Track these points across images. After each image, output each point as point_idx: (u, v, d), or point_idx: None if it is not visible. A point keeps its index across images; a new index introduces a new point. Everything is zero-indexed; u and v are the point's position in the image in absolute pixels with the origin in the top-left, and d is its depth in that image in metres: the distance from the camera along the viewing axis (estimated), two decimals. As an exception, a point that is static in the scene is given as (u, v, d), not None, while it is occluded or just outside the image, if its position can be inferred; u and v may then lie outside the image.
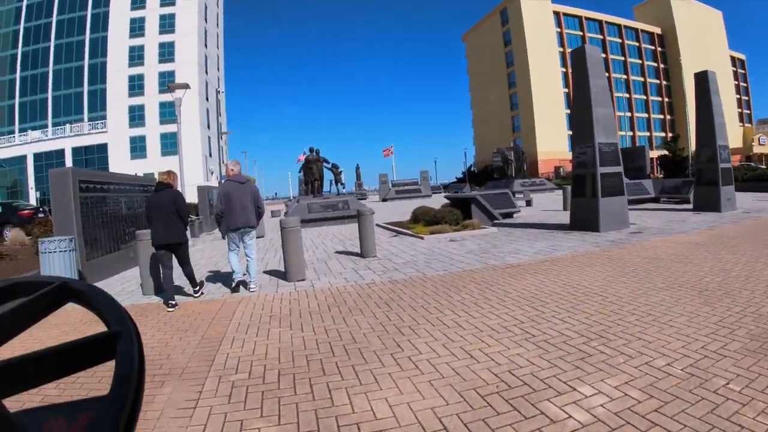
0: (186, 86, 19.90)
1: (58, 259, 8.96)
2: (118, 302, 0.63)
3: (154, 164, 58.02)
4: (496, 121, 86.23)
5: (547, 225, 15.39)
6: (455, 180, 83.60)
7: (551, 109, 76.73)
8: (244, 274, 8.58)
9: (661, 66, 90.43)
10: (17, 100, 64.24)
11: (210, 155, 64.61)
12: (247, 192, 8.14)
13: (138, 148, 61.06)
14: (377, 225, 19.07)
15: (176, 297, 7.75)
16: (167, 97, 56.25)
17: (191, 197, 34.40)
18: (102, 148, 60.23)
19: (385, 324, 5.77)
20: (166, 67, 59.13)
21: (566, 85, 78.20)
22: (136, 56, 61.76)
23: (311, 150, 24.86)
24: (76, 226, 10.54)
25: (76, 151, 59.54)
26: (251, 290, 8.28)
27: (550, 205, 24.66)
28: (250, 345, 5.34)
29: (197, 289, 8.09)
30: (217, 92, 58.34)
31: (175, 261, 7.86)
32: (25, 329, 0.58)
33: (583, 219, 13.47)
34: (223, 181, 9.35)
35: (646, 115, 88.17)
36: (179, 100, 19.40)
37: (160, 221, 7.38)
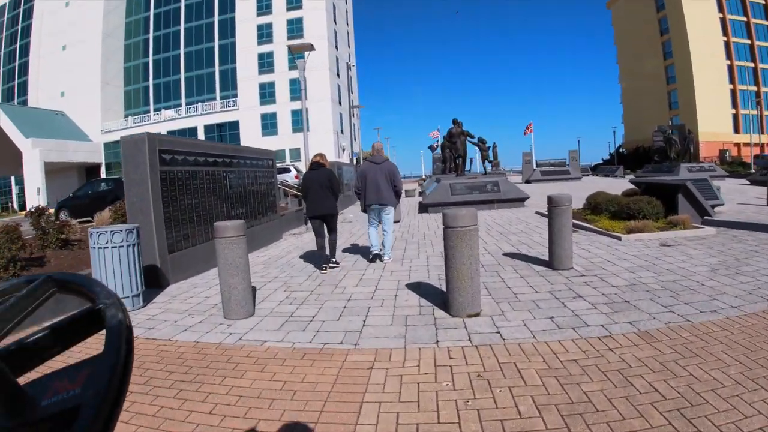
0: (310, 47, 16.98)
1: (110, 257, 6.25)
2: (102, 283, 0.70)
3: (285, 141, 57.66)
4: (650, 97, 75.98)
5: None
6: (602, 161, 77.13)
7: (713, 84, 66.38)
8: (381, 249, 8.89)
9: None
10: (151, 81, 66.05)
11: (342, 132, 62.48)
12: (383, 171, 8.55)
13: (269, 125, 60.24)
14: (537, 212, 15.45)
15: (275, 341, 5.09)
16: (297, 74, 55.00)
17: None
18: (234, 126, 60.14)
19: None
20: (295, 43, 56.62)
21: (728, 57, 68.76)
22: (264, 34, 60.71)
23: (454, 122, 21.05)
24: (153, 210, 7.79)
25: (209, 128, 59.85)
26: (385, 261, 8.72)
27: (740, 197, 19.09)
28: None
29: (335, 261, 8.63)
30: (348, 67, 55.81)
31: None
32: (19, 324, 0.62)
33: None
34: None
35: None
36: (302, 63, 16.48)
37: (316, 195, 8.22)
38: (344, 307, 5.88)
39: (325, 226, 8.44)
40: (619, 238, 9.96)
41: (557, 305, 5.54)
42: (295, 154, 53.44)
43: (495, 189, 18.62)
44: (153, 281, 7.56)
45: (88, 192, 21.30)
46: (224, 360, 4.39)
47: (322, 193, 8.20)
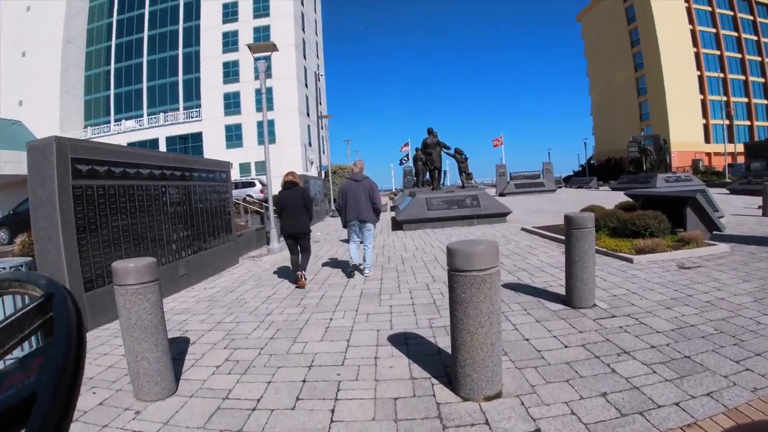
0: (272, 47, 15.25)
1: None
2: (41, 274, 0.70)
3: (251, 153, 55.30)
4: (620, 109, 75.51)
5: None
6: (573, 173, 76.69)
7: (684, 94, 66.49)
8: (359, 264, 9.11)
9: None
10: (112, 90, 63.24)
11: (310, 144, 60.65)
12: (362, 189, 8.74)
13: (234, 136, 57.83)
14: (523, 229, 14.03)
15: None
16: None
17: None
18: (197, 137, 57.60)
19: None
20: (256, 43, 53.59)
21: (698, 67, 68.75)
22: (230, 42, 58.34)
23: (429, 132, 19.45)
24: (63, 237, 6.10)
25: (170, 140, 57.19)
26: (366, 275, 8.84)
27: (729, 207, 17.48)
28: None
29: (303, 276, 8.27)
30: (317, 77, 53.72)
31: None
32: None
33: None
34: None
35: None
36: (263, 64, 14.80)
37: (290, 214, 8.35)
38: (303, 380, 4.12)
39: (298, 246, 8.57)
40: (631, 261, 8.59)
41: (602, 369, 3.96)
42: (262, 167, 51.32)
43: (474, 203, 17.15)
44: (63, 328, 5.86)
45: (28, 208, 19.15)
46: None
47: (296, 211, 8.34)
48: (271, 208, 13.83)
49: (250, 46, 15.08)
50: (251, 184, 32.65)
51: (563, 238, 11.18)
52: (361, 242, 8.99)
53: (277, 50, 15.61)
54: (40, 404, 0.49)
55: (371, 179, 9.15)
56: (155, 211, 8.22)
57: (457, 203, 17.16)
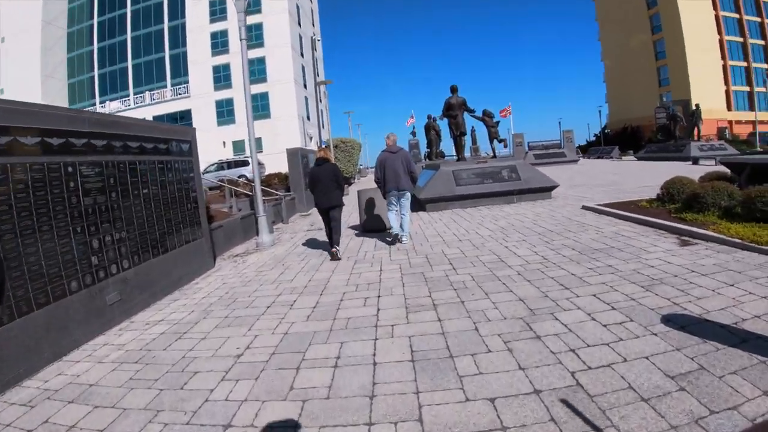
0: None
1: None
2: None
3: (245, 130, 50.59)
4: (637, 74, 70.67)
5: None
6: (586, 143, 73.36)
7: (705, 59, 62.37)
8: (400, 231, 9.22)
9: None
10: (96, 71, 59.09)
11: (308, 118, 56.62)
12: (399, 159, 9.08)
13: (225, 112, 53.86)
14: (586, 208, 10.84)
15: None
16: (256, 53, 49.96)
17: (281, 165, 26.77)
18: (186, 115, 53.47)
19: None
20: (253, 19, 49.32)
21: (718, 32, 64.66)
22: (217, 11, 53.69)
23: (453, 90, 15.92)
24: None
25: (158, 119, 52.23)
26: (403, 242, 9.08)
27: None
28: None
29: (337, 247, 8.52)
30: (313, 45, 48.71)
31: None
32: None
33: None
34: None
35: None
36: (241, 3, 11.39)
37: (323, 189, 8.59)
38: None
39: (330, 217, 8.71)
40: (768, 253, 5.41)
41: None
42: (257, 144, 47.42)
43: (513, 176, 13.89)
44: None
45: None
46: None
47: (329, 186, 8.57)
48: (258, 189, 10.63)
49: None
50: (245, 163, 29.52)
51: (664, 223, 8.00)
52: (398, 211, 9.25)
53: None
54: None
55: (406, 150, 9.64)
56: (54, 204, 4.89)
57: (492, 176, 13.91)
